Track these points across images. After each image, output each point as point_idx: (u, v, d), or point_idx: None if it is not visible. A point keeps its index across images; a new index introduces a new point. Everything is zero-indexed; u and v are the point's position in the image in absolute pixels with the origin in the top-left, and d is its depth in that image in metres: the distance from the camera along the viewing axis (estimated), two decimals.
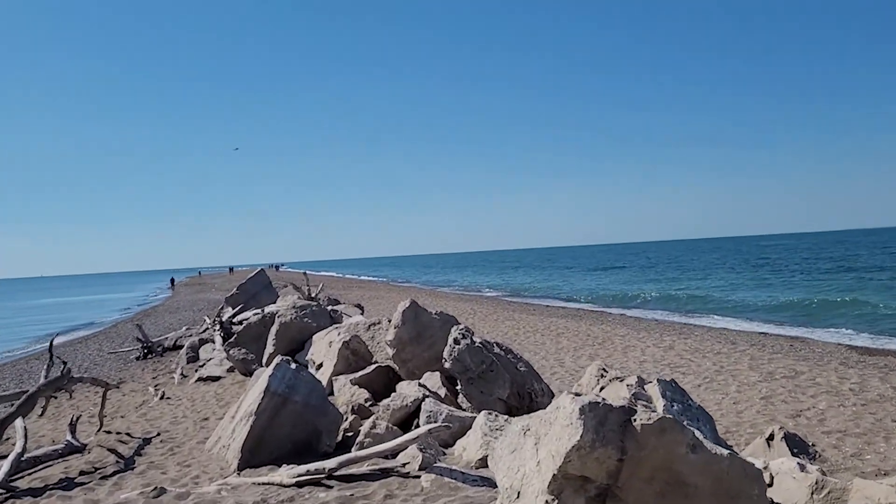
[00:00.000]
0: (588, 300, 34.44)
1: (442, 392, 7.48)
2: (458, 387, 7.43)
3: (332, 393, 8.48)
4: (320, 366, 9.49)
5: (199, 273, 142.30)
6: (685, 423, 3.74)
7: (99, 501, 5.72)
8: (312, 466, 5.52)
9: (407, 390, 7.34)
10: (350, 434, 6.88)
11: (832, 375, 10.66)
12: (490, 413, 6.17)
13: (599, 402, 3.41)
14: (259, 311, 15.08)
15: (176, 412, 9.62)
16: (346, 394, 8.11)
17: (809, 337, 17.20)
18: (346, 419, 7.14)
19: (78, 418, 8.59)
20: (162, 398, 10.81)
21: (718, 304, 28.22)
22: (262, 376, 7.00)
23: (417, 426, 6.54)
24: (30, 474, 6.82)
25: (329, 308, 13.70)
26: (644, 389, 5.82)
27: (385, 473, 5.49)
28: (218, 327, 15.46)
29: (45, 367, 9.33)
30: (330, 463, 5.53)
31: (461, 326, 7.75)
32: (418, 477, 5.24)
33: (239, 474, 5.98)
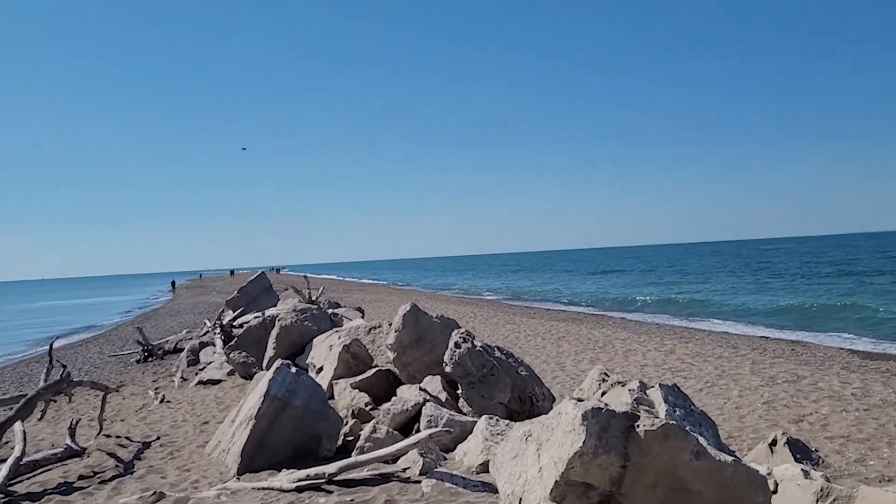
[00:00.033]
0: (588, 304, 34.40)
1: (443, 396, 7.44)
2: (459, 391, 7.40)
3: (332, 397, 8.45)
4: (320, 369, 9.46)
5: (200, 276, 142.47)
6: (688, 428, 3.72)
7: None
8: (312, 471, 5.48)
9: (407, 394, 7.31)
10: (350, 438, 6.85)
11: (834, 380, 10.63)
12: (491, 418, 6.14)
13: (602, 408, 3.39)
14: (259, 314, 15.05)
15: (176, 416, 9.59)
16: (347, 398, 8.07)
17: (810, 341, 17.17)
18: (347, 423, 7.11)
19: (77, 422, 8.57)
20: (162, 402, 10.78)
21: (719, 308, 28.19)
22: (262, 380, 6.96)
23: (418, 430, 6.50)
24: (29, 478, 6.79)
25: (329, 311, 13.66)
26: (646, 394, 5.79)
27: (385, 478, 5.46)
28: (218, 330, 15.43)
29: (45, 370, 9.30)
30: (330, 468, 5.49)
31: (462, 330, 7.72)
32: (419, 482, 5.20)
33: (239, 479, 5.94)
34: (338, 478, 5.45)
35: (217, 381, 11.94)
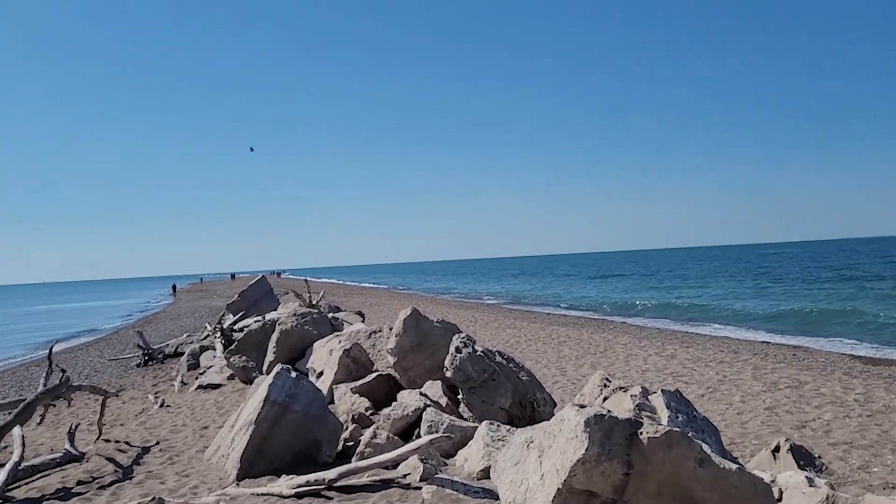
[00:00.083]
0: (589, 308, 34.36)
1: (443, 401, 7.41)
2: (460, 396, 7.37)
3: (332, 401, 8.42)
4: (321, 374, 9.43)
5: (201, 279, 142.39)
6: (690, 434, 3.68)
7: None
8: (312, 477, 5.46)
9: (408, 399, 7.28)
10: (350, 444, 6.81)
11: (836, 385, 10.58)
12: (492, 423, 6.10)
13: (605, 415, 3.36)
14: (260, 318, 15.02)
15: (175, 420, 9.55)
16: (347, 402, 8.04)
17: (812, 346, 17.12)
18: (347, 428, 7.08)
19: (77, 426, 8.53)
20: (162, 406, 10.74)
21: (720, 313, 28.14)
22: (262, 385, 6.93)
23: (419, 436, 6.47)
24: (27, 484, 6.75)
25: (330, 315, 13.63)
26: (648, 400, 5.76)
27: (386, 485, 5.43)
28: (219, 334, 15.39)
29: (44, 374, 9.27)
30: (330, 474, 5.46)
31: (463, 335, 7.68)
32: (419, 488, 5.17)
33: (238, 484, 5.91)
34: (338, 484, 5.42)
35: (217, 386, 11.91)
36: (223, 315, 19.69)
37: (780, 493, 4.26)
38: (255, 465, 6.19)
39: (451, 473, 5.60)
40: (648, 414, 5.31)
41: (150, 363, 17.03)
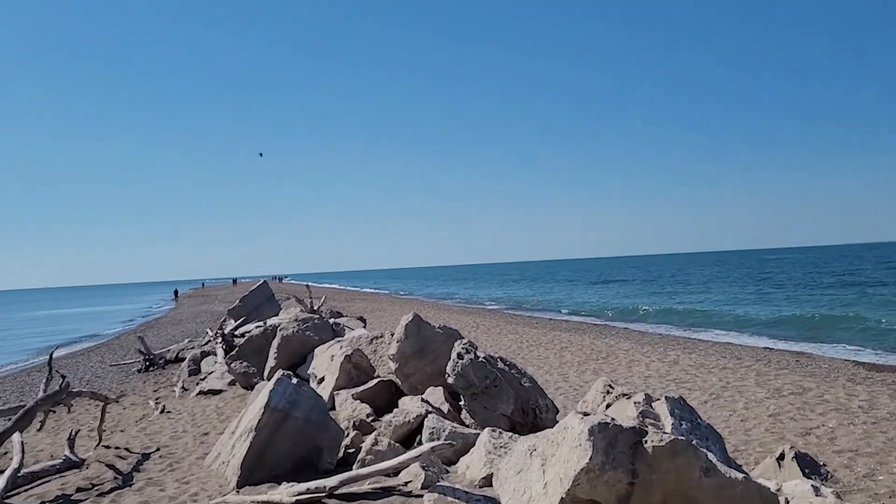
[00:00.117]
0: (591, 314, 34.30)
1: (445, 408, 7.36)
2: (462, 402, 7.32)
3: (333, 407, 8.37)
4: (322, 380, 9.39)
5: (203, 284, 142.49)
6: (695, 442, 3.64)
7: None
8: (313, 485, 5.41)
9: (409, 406, 7.23)
10: (352, 450, 6.77)
11: (840, 392, 10.52)
12: (494, 430, 6.06)
13: (609, 423, 3.32)
14: (261, 323, 14.98)
15: (176, 426, 9.51)
16: (348, 409, 7.99)
17: (815, 352, 17.06)
18: (348, 435, 7.03)
19: (77, 432, 8.49)
20: (162, 412, 10.70)
21: (722, 319, 28.09)
22: (263, 391, 6.89)
23: (420, 442, 6.43)
24: (26, 491, 6.71)
25: (331, 321, 13.59)
26: (652, 407, 5.71)
27: (387, 492, 5.38)
28: (220, 340, 15.36)
29: (44, 380, 9.24)
30: (331, 481, 5.42)
31: (465, 341, 7.64)
32: (421, 496, 5.12)
33: (238, 492, 5.87)
34: (338, 491, 5.38)
35: (218, 392, 11.86)
36: (224, 320, 19.66)
37: (787, 502, 4.21)
38: (255, 472, 6.14)
39: (452, 481, 5.55)
40: (652, 421, 5.27)
41: (152, 368, 17.00)
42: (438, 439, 6.22)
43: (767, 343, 19.53)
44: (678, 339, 20.62)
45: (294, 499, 5.28)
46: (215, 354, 14.75)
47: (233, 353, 12.32)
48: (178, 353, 18.01)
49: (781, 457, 5.90)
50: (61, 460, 7.55)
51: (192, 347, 18.07)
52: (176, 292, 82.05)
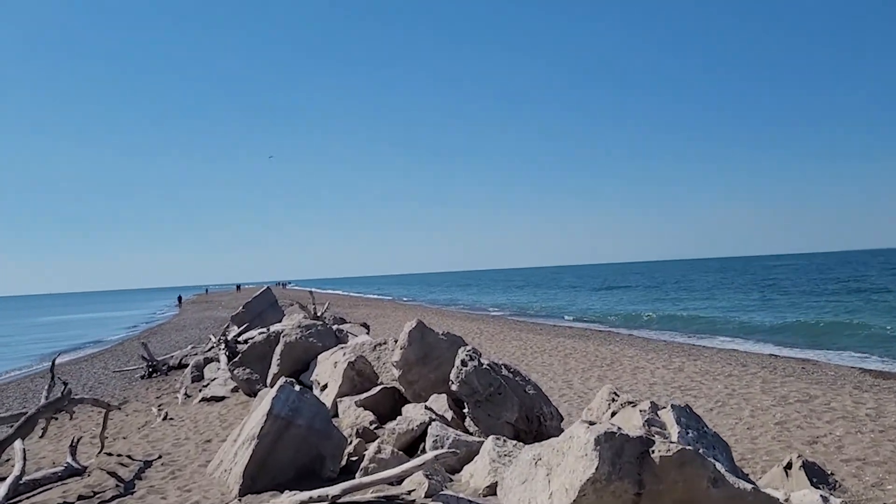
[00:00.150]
0: (595, 320, 34.22)
1: (449, 415, 7.31)
2: (466, 410, 7.27)
3: (336, 415, 8.33)
4: (325, 387, 9.34)
5: (207, 290, 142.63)
6: (701, 451, 3.59)
7: None
8: (315, 493, 5.36)
9: (413, 413, 7.18)
10: (355, 458, 6.71)
11: (847, 400, 10.44)
12: (498, 438, 6.00)
13: (616, 432, 3.27)
14: (265, 330, 14.95)
15: (178, 434, 9.47)
16: (351, 416, 7.95)
17: (820, 359, 16.96)
18: (351, 443, 6.98)
19: (79, 440, 8.45)
20: (165, 419, 10.66)
21: (726, 325, 27.99)
22: (266, 398, 6.85)
23: (424, 451, 6.37)
24: (28, 498, 6.67)
25: (335, 327, 13.55)
26: (658, 415, 5.65)
27: (390, 501, 5.33)
28: (223, 346, 15.33)
29: (46, 387, 9.21)
30: (333, 490, 5.36)
31: (468, 347, 7.59)
32: None
33: (240, 500, 5.82)
34: (341, 500, 5.32)
35: (221, 398, 11.83)
36: (228, 326, 19.65)
37: None
38: (257, 480, 6.10)
39: (456, 490, 5.50)
40: (658, 430, 5.21)
41: (155, 375, 16.98)
42: (442, 447, 6.17)
43: (773, 350, 19.43)
44: (683, 346, 20.53)
45: None
46: (218, 361, 14.72)
47: (236, 359, 12.29)
48: (181, 360, 17.99)
49: (789, 466, 5.84)
50: (63, 468, 7.51)
51: (196, 354, 18.04)
52: (180, 298, 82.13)
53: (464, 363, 7.23)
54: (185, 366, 16.66)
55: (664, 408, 5.79)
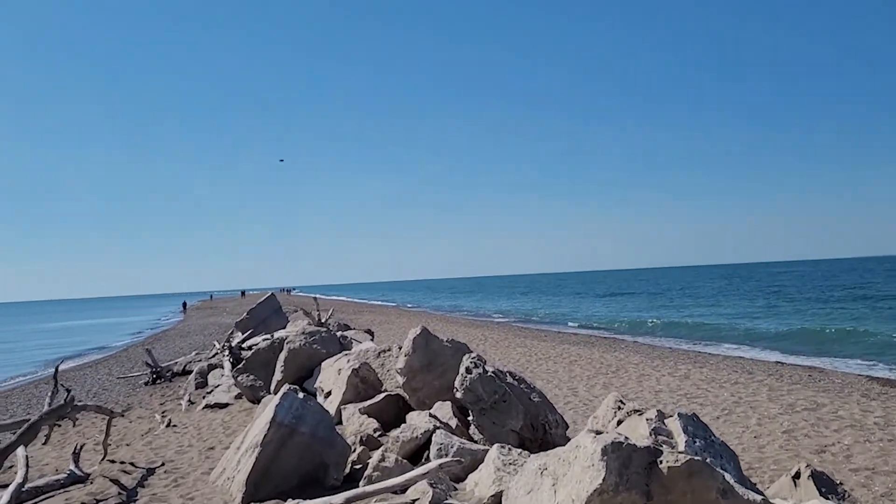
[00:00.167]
0: (599, 327, 34.11)
1: (453, 423, 7.26)
2: (470, 417, 7.22)
3: (340, 422, 8.28)
4: (329, 394, 9.31)
5: (211, 296, 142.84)
6: (709, 460, 3.54)
7: None
8: (319, 502, 5.31)
9: (417, 421, 7.13)
10: (358, 466, 6.67)
11: (855, 408, 10.35)
12: (503, 446, 5.94)
13: (623, 442, 3.22)
14: (269, 336, 14.93)
15: (182, 441, 9.44)
16: (355, 423, 7.90)
17: (827, 367, 16.86)
18: (355, 451, 6.93)
19: (82, 447, 8.43)
20: (168, 426, 10.63)
21: (732, 332, 27.86)
22: (269, 406, 6.81)
23: (428, 459, 6.32)
24: None
25: (339, 334, 13.52)
26: (664, 424, 5.59)
27: None
28: (227, 353, 15.31)
29: (49, 394, 9.19)
30: (337, 499, 5.32)
31: (473, 355, 7.55)
32: None
33: None
34: None
35: (224, 405, 11.80)
36: (232, 333, 19.64)
37: None
38: (260, 488, 6.06)
39: (460, 499, 5.45)
40: (665, 438, 5.15)
41: (159, 381, 16.97)
42: (446, 455, 6.12)
43: (779, 357, 19.32)
44: (688, 353, 20.43)
45: None
46: (222, 367, 14.70)
47: (240, 366, 12.26)
48: (185, 366, 17.98)
49: (797, 475, 5.76)
50: (66, 475, 7.49)
51: (200, 360, 18.03)
52: (184, 304, 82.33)
53: (468, 370, 7.18)
54: (189, 372, 16.65)
55: (671, 416, 5.73)
